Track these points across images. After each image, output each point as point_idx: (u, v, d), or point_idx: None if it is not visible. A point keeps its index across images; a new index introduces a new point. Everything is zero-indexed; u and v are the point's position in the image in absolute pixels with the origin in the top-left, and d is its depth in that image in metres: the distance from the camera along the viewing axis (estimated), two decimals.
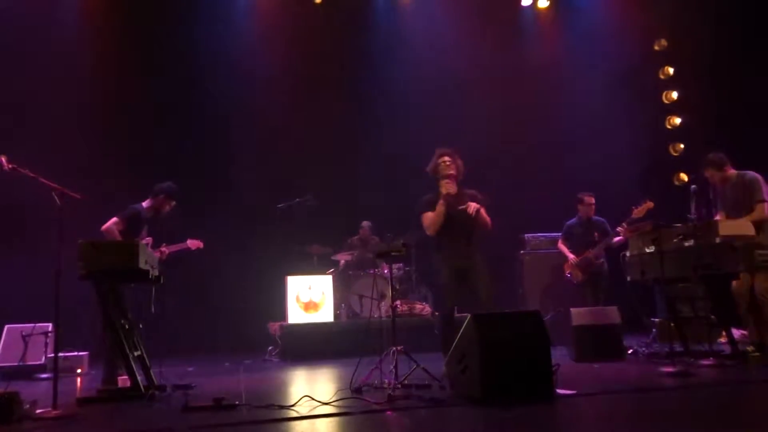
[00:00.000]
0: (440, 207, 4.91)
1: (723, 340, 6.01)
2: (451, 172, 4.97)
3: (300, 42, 9.16)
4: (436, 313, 5.28)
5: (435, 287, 5.31)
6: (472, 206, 4.86)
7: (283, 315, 7.48)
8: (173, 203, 5.72)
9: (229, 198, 8.62)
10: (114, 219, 5.37)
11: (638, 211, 6.35)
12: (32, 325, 6.26)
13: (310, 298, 7.47)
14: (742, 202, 5.37)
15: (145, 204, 5.61)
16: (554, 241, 7.58)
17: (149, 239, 5.59)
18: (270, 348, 7.50)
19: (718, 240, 4.94)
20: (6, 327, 6.51)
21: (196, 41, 8.66)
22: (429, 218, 4.97)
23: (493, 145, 9.13)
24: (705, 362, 5.04)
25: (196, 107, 8.73)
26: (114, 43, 8.44)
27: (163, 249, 5.75)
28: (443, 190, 4.94)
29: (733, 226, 5.03)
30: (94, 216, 5.59)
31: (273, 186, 8.44)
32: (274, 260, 8.09)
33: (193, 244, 6.17)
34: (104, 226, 5.34)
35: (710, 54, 9.16)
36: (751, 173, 5.42)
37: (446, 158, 5.01)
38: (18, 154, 4.53)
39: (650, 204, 6.32)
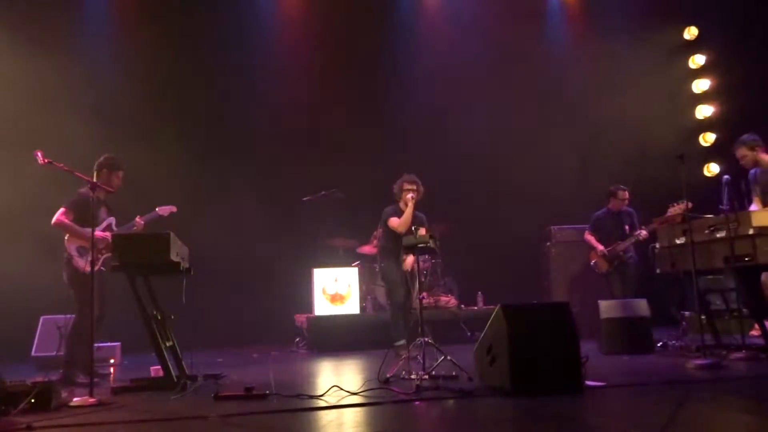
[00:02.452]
0: (410, 208, 6.07)
1: (755, 332, 5.91)
2: (414, 196, 6.12)
3: (327, 36, 9.16)
4: (389, 303, 6.44)
5: (388, 282, 6.34)
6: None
7: (309, 307, 7.56)
8: (120, 173, 5.39)
9: (257, 191, 8.69)
10: (62, 210, 5.15)
11: (674, 209, 6.01)
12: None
13: (336, 290, 7.52)
14: None
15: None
16: (581, 233, 7.50)
17: (112, 218, 5.42)
18: (297, 339, 7.59)
19: (750, 231, 4.85)
20: (42, 318, 6.66)
21: (224, 38, 8.74)
22: (398, 221, 6.12)
23: (518, 137, 9.05)
24: (737, 355, 4.97)
25: (225, 101, 8.80)
26: (142, 43, 8.54)
27: (137, 221, 5.51)
28: (408, 201, 6.09)
29: (766, 217, 4.93)
30: (126, 207, 5.70)
31: (300, 179, 8.48)
32: (301, 253, 8.15)
33: (163, 210, 5.77)
34: (54, 220, 5.13)
35: (742, 42, 8.95)
36: None
37: (413, 185, 6.15)
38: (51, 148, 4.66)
39: (689, 204, 5.81)
